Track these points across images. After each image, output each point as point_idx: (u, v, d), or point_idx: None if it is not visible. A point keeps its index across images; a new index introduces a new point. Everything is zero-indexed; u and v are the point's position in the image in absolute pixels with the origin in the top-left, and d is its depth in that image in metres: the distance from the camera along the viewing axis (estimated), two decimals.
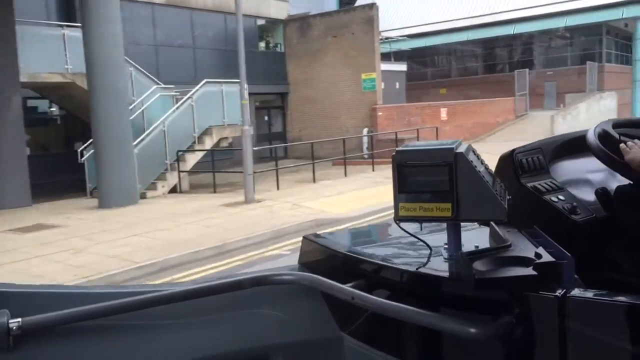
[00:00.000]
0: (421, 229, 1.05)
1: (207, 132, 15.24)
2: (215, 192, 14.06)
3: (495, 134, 27.70)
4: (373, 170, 17.02)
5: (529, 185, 1.20)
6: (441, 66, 41.33)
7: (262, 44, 23.14)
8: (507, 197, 1.01)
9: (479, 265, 0.91)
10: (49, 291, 1.03)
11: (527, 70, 31.11)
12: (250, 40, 19.17)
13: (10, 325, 0.92)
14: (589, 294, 0.85)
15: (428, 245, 1.08)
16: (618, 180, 1.16)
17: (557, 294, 0.85)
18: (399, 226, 1.01)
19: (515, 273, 0.90)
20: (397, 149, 0.98)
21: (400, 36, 32.95)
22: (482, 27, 36.97)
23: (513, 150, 1.27)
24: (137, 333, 1.03)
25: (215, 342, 1.08)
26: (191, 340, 1.06)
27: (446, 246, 1.03)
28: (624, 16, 33.32)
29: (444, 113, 24.04)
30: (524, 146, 1.28)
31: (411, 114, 22.21)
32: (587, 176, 1.24)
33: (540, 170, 1.25)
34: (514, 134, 26.40)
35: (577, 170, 1.27)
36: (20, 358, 0.95)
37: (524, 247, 0.98)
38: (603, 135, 1.16)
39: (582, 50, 36.23)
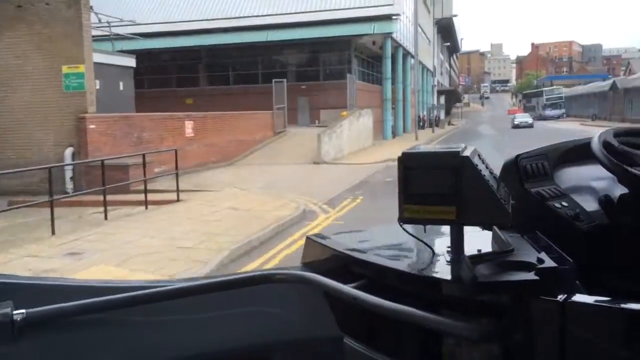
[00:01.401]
0: (425, 231, 1.02)
1: None
2: None
3: (253, 153, 22.60)
4: (105, 218, 10.06)
5: (532, 190, 1.18)
6: (188, 72, 35.40)
7: None
8: (511, 201, 0.98)
9: (481, 269, 0.92)
10: (54, 283, 1.05)
11: (284, 81, 26.83)
12: None
13: (15, 317, 0.91)
14: (591, 299, 0.85)
15: (431, 248, 1.06)
16: (622, 188, 1.10)
17: (558, 299, 0.85)
18: (403, 228, 0.99)
19: (517, 277, 0.90)
20: (403, 151, 0.96)
21: (132, 34, 25.83)
22: (235, 30, 32.17)
23: (518, 156, 1.25)
24: (136, 328, 1.04)
25: (215, 339, 1.09)
26: (191, 337, 1.07)
27: (449, 249, 1.01)
28: (375, 31, 31.49)
29: (189, 127, 17.96)
30: (528, 152, 1.26)
31: (143, 129, 15.73)
32: (591, 183, 1.20)
33: (544, 176, 1.23)
34: (277, 155, 21.73)
35: (581, 177, 1.24)
36: (24, 349, 0.95)
37: (526, 252, 0.98)
38: (607, 143, 1.12)
39: (334, 65, 33.84)
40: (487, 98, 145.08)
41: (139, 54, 20.43)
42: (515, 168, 1.23)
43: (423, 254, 1.07)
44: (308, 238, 1.24)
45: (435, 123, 49.01)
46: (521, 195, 1.15)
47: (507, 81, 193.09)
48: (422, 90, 54.92)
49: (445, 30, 68.41)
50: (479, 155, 0.98)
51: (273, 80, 26.44)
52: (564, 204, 1.15)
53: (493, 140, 34.46)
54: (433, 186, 0.92)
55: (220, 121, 21.02)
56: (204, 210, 10.49)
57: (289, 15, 32.31)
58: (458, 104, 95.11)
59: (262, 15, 32.67)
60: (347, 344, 1.09)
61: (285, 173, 18.14)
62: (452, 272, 0.96)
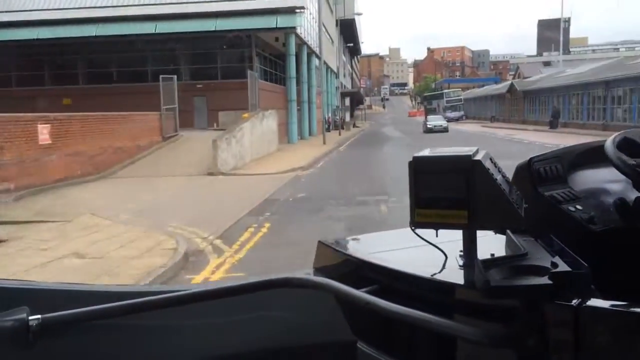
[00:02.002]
0: (437, 236, 1.00)
1: None
2: None
3: (135, 163, 18.70)
4: None
5: (546, 194, 1.15)
6: (66, 68, 30.63)
7: None
8: (524, 205, 0.98)
9: (494, 273, 0.90)
10: (70, 289, 1.05)
11: (174, 78, 23.04)
12: None
13: (30, 322, 0.91)
14: (605, 304, 0.83)
15: (443, 253, 1.05)
16: (637, 191, 1.08)
17: (572, 303, 0.84)
18: (415, 232, 0.99)
19: (530, 282, 0.88)
20: (414, 155, 0.96)
21: None
22: (119, 20, 27.93)
23: (531, 159, 1.21)
24: (152, 333, 1.05)
25: (226, 343, 1.10)
26: (203, 342, 1.08)
27: (461, 253, 1.01)
28: (278, 25, 28.53)
29: (44, 132, 13.91)
30: (541, 154, 1.23)
31: None
32: (605, 186, 1.18)
33: (557, 179, 1.20)
34: (164, 165, 18.01)
35: (596, 180, 1.21)
36: (40, 354, 0.95)
37: (540, 256, 0.96)
38: (622, 145, 1.09)
39: (234, 62, 30.49)
40: (387, 100, 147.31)
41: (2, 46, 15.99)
42: (528, 171, 1.19)
43: (435, 259, 1.04)
44: (320, 242, 1.23)
45: (341, 125, 46.80)
46: (534, 199, 1.11)
47: (405, 84, 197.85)
48: (327, 91, 52.77)
49: (348, 31, 66.81)
50: (490, 159, 0.98)
51: (160, 77, 22.58)
52: (578, 207, 1.12)
53: (401, 143, 32.65)
54: (444, 190, 0.92)
55: (91, 124, 17.03)
56: (28, 261, 6.80)
57: (182, 4, 28.58)
58: (361, 106, 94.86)
59: (151, 4, 28.64)
60: (360, 348, 1.09)
61: (172, 189, 14.61)
62: (465, 276, 0.96)
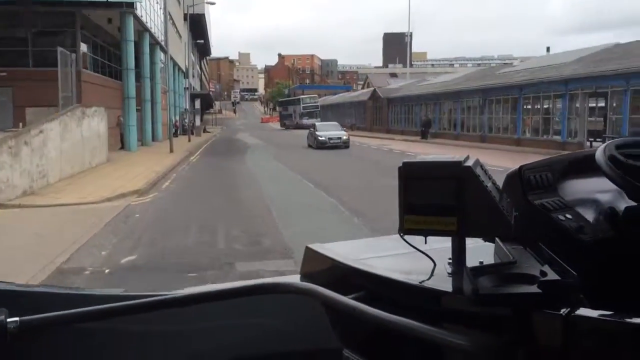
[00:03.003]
0: (425, 242, 0.99)
1: None
2: None
3: None
4: None
5: (536, 202, 1.13)
6: None
7: None
8: (514, 213, 0.98)
9: (483, 281, 0.89)
10: (49, 291, 1.04)
11: None
12: None
13: (8, 324, 0.89)
14: (594, 313, 0.84)
15: (432, 260, 1.04)
16: (627, 201, 1.09)
17: (561, 312, 0.84)
18: (403, 239, 0.97)
19: (519, 290, 0.88)
20: (404, 161, 0.95)
21: None
22: None
23: (521, 167, 1.19)
24: (134, 337, 1.04)
25: (213, 350, 1.08)
26: (188, 347, 1.06)
27: (450, 261, 1.00)
28: None
29: None
30: (532, 163, 1.21)
31: None
32: (595, 196, 1.17)
33: (548, 188, 1.18)
34: None
35: (586, 190, 1.20)
36: (17, 357, 0.95)
37: (529, 265, 0.96)
38: (613, 156, 1.10)
39: (52, 45, 23.07)
40: (238, 103, 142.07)
41: None
42: (518, 179, 1.16)
43: (424, 266, 1.03)
44: (307, 247, 1.22)
45: (190, 130, 40.44)
46: (524, 207, 1.10)
47: (255, 90, 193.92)
48: (174, 91, 46.02)
49: (197, 27, 60.37)
50: (481, 166, 0.96)
51: None
52: (568, 216, 1.10)
53: (265, 152, 27.46)
54: (434, 197, 0.90)
55: None
56: None
57: None
58: (211, 110, 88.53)
59: None
60: (346, 356, 1.08)
61: None
62: (454, 284, 0.95)
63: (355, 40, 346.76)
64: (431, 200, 0.91)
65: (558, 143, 24.74)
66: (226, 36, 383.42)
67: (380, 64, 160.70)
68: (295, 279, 1.17)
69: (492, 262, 1.00)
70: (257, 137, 44.34)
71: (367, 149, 29.29)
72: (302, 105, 67.47)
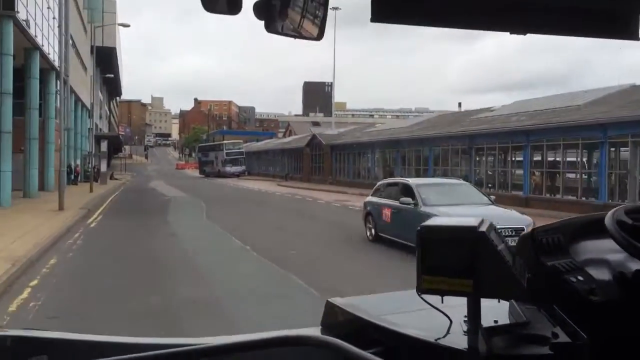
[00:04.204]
0: (442, 302, 1.02)
1: None
2: None
3: None
4: None
5: (548, 264, 1.17)
6: None
7: None
8: (527, 275, 1.01)
9: (497, 341, 0.94)
10: (87, 339, 1.09)
11: None
12: None
13: None
14: None
15: (448, 317, 1.06)
16: (637, 263, 1.11)
17: None
18: (421, 297, 1.01)
19: (531, 351, 0.92)
20: (422, 224, 1.00)
21: None
22: None
23: (534, 230, 1.24)
24: None
25: None
26: None
27: (466, 319, 1.02)
28: None
29: None
30: (544, 226, 1.26)
31: None
32: (606, 257, 1.19)
33: (559, 249, 1.21)
34: None
35: (597, 251, 1.22)
36: None
37: (542, 326, 1.00)
38: (621, 221, 1.13)
39: None
40: (152, 147, 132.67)
41: None
42: (531, 241, 1.20)
43: (440, 323, 1.05)
44: (328, 301, 1.25)
45: (94, 177, 32.75)
46: (537, 269, 1.13)
47: (169, 135, 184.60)
48: (75, 131, 38.18)
49: (106, 62, 52.83)
50: (495, 230, 1.00)
51: None
52: (580, 277, 1.12)
53: (192, 207, 20.76)
54: (451, 259, 0.94)
55: None
56: None
57: None
58: (120, 154, 79.71)
59: None
60: None
61: None
62: (469, 342, 0.97)
63: (273, 90, 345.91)
64: (448, 262, 0.94)
65: (593, 205, 17.94)
66: (138, 80, 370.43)
67: (300, 113, 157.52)
68: (315, 331, 1.19)
69: (507, 321, 1.05)
70: (177, 187, 37.16)
71: (303, 203, 23.29)
72: (225, 151, 60.71)
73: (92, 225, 15.67)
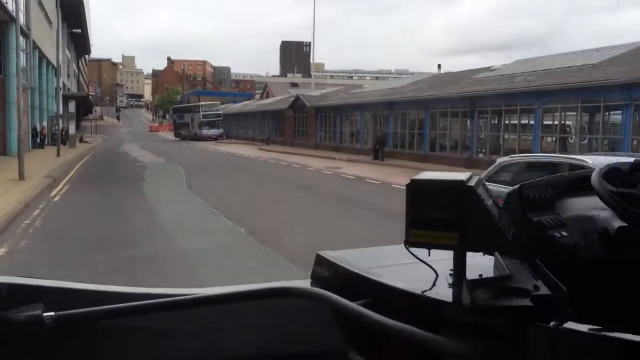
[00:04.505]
0: (429, 255, 1.06)
1: None
2: None
3: None
4: None
5: (534, 219, 1.17)
6: None
7: None
8: (512, 230, 1.05)
9: (480, 293, 0.97)
10: (84, 288, 1.09)
11: None
12: None
13: (45, 319, 0.94)
14: (582, 327, 0.90)
15: (435, 271, 1.11)
16: (621, 221, 1.11)
17: (550, 325, 0.91)
18: (408, 250, 1.04)
19: (513, 303, 0.95)
20: (412, 178, 1.02)
21: None
22: None
23: (521, 185, 1.23)
24: (154, 334, 1.09)
25: (221, 349, 1.12)
26: (197, 347, 1.11)
27: (452, 272, 1.06)
28: None
29: None
30: (532, 182, 1.25)
31: None
32: (592, 213, 1.19)
33: (546, 206, 1.22)
34: None
35: (583, 208, 1.22)
36: (52, 350, 1.00)
37: (524, 279, 1.03)
38: (608, 178, 1.14)
39: None
40: (125, 108, 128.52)
41: None
42: (518, 197, 1.20)
43: (427, 276, 1.09)
44: (318, 254, 1.27)
45: (62, 139, 30.24)
46: (523, 224, 1.15)
47: (141, 96, 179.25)
48: (41, 90, 35.35)
49: (73, 17, 49.19)
50: (483, 185, 1.04)
51: None
52: (564, 233, 1.14)
53: (171, 174, 18.76)
54: (438, 212, 0.97)
55: None
56: None
57: None
58: (90, 116, 76.16)
59: None
60: (351, 358, 1.12)
61: None
62: (454, 294, 1.01)
63: (249, 51, 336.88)
64: (435, 215, 0.97)
65: None
66: (109, 39, 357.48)
67: (278, 73, 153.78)
68: (305, 283, 1.20)
69: (491, 275, 1.08)
70: (151, 151, 34.90)
71: (295, 171, 21.48)
72: (201, 113, 57.94)
73: (55, 199, 13.54)
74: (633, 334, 0.85)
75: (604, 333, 0.88)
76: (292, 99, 43.64)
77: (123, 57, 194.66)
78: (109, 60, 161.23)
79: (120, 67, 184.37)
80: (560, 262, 1.07)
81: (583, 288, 1.01)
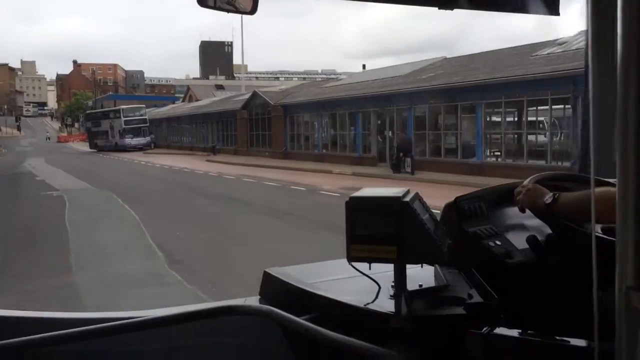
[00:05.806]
0: (370, 268, 1.07)
1: None
2: None
3: None
4: None
5: (470, 230, 1.23)
6: None
7: None
8: (448, 241, 1.07)
9: (418, 304, 1.01)
10: (22, 316, 1.08)
11: None
12: None
13: None
14: (513, 332, 0.93)
15: (377, 284, 1.12)
16: (549, 229, 1.20)
17: (482, 331, 0.94)
18: (351, 265, 1.06)
19: (447, 312, 0.99)
20: (351, 195, 1.04)
21: None
22: None
23: (457, 198, 1.27)
24: (102, 358, 1.07)
25: None
26: None
27: (393, 284, 1.08)
28: None
29: None
30: (467, 194, 1.29)
31: None
32: (523, 223, 1.26)
33: (481, 216, 1.27)
34: None
35: (515, 217, 1.29)
36: None
37: (460, 288, 1.06)
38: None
39: None
40: (26, 117, 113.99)
41: None
42: (454, 209, 1.22)
43: (370, 289, 1.11)
44: (265, 271, 1.26)
45: None
46: (459, 235, 1.17)
47: (44, 104, 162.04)
48: None
49: None
50: (419, 200, 1.06)
51: None
52: (497, 242, 1.17)
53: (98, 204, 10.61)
54: (377, 228, 1.00)
55: None
56: None
57: None
58: None
59: None
60: None
61: None
62: (395, 306, 1.04)
63: (164, 54, 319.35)
64: (374, 231, 1.00)
65: None
66: (4, 43, 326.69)
67: (198, 76, 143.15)
68: (254, 301, 1.20)
69: (431, 284, 1.12)
70: (66, 170, 25.65)
71: (290, 192, 13.82)
72: (123, 118, 47.98)
73: None
74: (559, 335, 0.89)
75: (533, 337, 0.91)
76: (248, 96, 34.76)
77: (22, 62, 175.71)
78: (5, 65, 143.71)
79: (19, 72, 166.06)
80: (494, 270, 1.10)
81: (514, 294, 1.06)
